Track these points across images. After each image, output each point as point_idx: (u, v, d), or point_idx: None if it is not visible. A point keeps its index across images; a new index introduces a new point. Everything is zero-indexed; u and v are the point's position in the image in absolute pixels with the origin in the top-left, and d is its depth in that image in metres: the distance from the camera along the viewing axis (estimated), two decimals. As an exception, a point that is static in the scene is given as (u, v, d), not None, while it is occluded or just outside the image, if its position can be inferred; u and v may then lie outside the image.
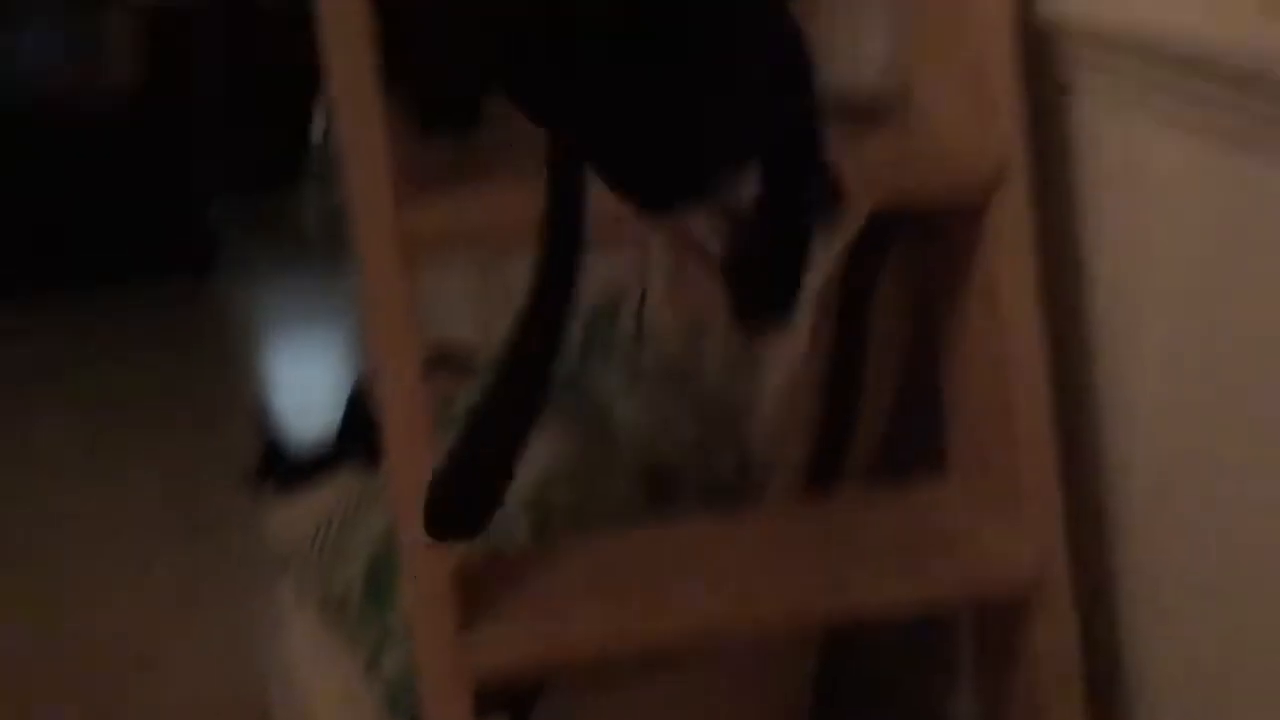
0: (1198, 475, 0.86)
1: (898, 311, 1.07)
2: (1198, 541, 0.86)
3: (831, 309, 1.10)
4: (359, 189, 0.86)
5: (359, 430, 1.67)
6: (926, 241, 1.02)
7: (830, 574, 0.91)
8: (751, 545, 0.96)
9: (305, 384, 3.29)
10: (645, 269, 1.60)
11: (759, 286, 0.63)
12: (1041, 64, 0.95)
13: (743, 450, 1.31)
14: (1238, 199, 0.79)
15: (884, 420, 1.10)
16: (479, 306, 1.72)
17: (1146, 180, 0.88)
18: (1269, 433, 0.79)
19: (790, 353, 1.23)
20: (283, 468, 1.62)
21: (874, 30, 1.32)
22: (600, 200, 0.91)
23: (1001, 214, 0.92)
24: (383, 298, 0.87)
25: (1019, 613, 0.92)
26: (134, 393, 3.22)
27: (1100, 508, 0.96)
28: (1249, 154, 0.77)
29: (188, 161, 3.79)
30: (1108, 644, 0.97)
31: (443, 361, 1.56)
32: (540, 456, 1.21)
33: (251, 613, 1.91)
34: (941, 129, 0.97)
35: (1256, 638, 0.83)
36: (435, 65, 1.50)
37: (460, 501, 0.59)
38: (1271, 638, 0.82)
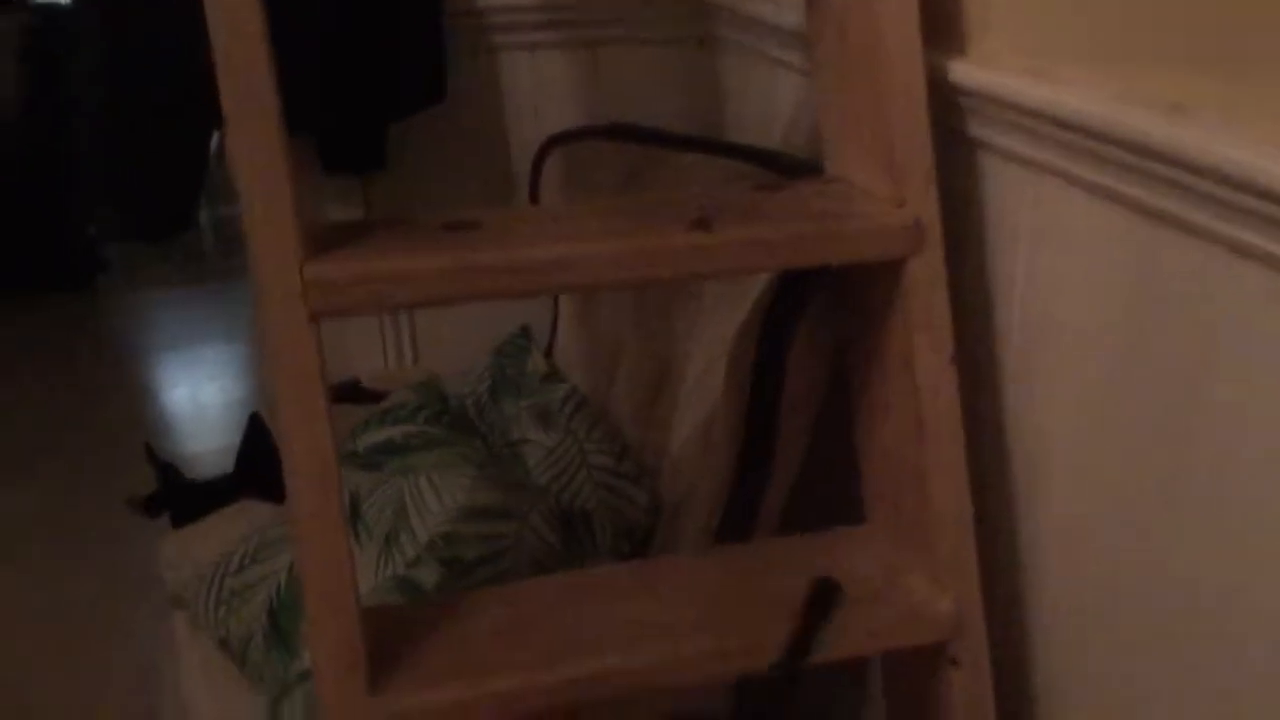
0: (1107, 529, 0.88)
1: (813, 366, 1.08)
2: (1109, 600, 0.89)
3: (747, 361, 1.11)
4: (263, 246, 0.84)
5: (258, 460, 1.63)
6: (842, 299, 1.03)
7: (748, 627, 0.91)
8: (666, 595, 0.96)
9: (197, 404, 3.20)
10: (556, 305, 1.60)
11: None
12: (954, 121, 0.97)
13: (655, 492, 1.31)
14: (1145, 265, 0.82)
15: (796, 471, 1.12)
16: (386, 339, 1.69)
17: (1057, 240, 0.90)
18: (1178, 491, 0.81)
19: (703, 401, 1.24)
20: (178, 498, 1.57)
21: (800, 97, 1.35)
22: (518, 254, 0.91)
23: (917, 274, 0.93)
24: (289, 354, 0.84)
25: (935, 661, 0.94)
26: (11, 410, 3.10)
27: (1014, 560, 0.98)
28: (1156, 223, 0.80)
29: (69, 174, 3.70)
30: (1021, 695, 0.99)
31: (351, 396, 1.54)
32: (448, 495, 1.19)
33: (134, 649, 1.84)
34: (858, 191, 0.99)
35: (1168, 691, 0.85)
36: (336, 104, 1.49)
37: None
38: (1184, 692, 0.85)
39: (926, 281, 0.93)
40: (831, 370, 1.08)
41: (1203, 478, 0.79)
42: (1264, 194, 0.71)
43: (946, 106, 0.97)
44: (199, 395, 3.25)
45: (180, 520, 1.56)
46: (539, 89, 1.61)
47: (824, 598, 0.88)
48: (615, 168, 1.46)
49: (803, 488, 1.15)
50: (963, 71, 0.96)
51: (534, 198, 1.50)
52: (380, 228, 0.94)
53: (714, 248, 0.91)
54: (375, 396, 1.53)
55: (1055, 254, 0.92)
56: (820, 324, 1.06)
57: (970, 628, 0.92)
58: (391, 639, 0.92)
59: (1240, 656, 0.78)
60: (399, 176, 1.60)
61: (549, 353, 1.54)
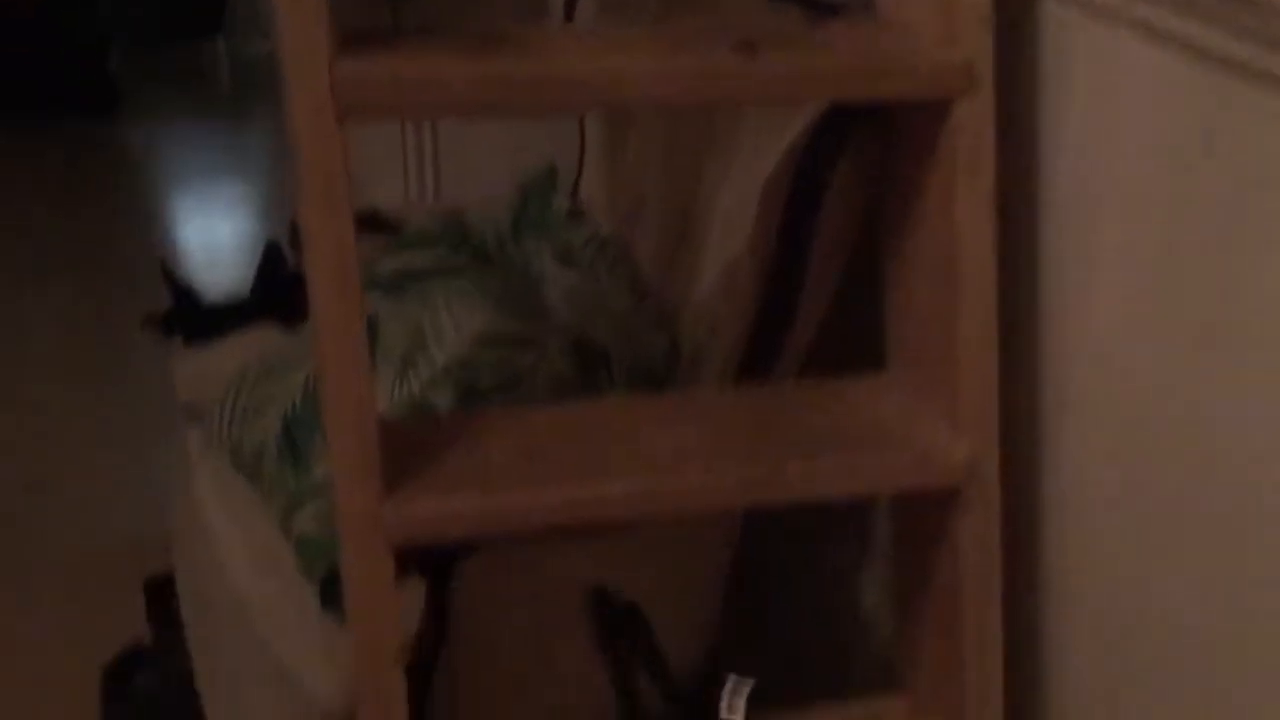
0: (1136, 386, 0.87)
1: (849, 205, 1.06)
2: (1126, 456, 0.88)
3: (778, 205, 1.09)
4: (293, 40, 0.81)
5: (274, 286, 1.62)
6: (884, 139, 1.01)
7: (761, 458, 0.91)
8: (682, 425, 0.96)
9: (212, 237, 3.19)
10: (583, 146, 1.57)
11: None
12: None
13: (674, 337, 1.30)
14: (1208, 115, 0.79)
15: (821, 317, 1.11)
16: (408, 171, 1.67)
17: (1113, 92, 0.88)
18: (1216, 352, 0.80)
19: (729, 247, 1.22)
20: (193, 318, 1.56)
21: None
22: (556, 64, 0.89)
23: (965, 118, 0.91)
24: (316, 153, 0.83)
25: (947, 504, 0.94)
26: (32, 236, 3.10)
27: (1034, 411, 0.97)
28: (1222, 74, 0.78)
29: (90, 3, 3.66)
30: (1028, 543, 0.99)
31: (370, 224, 1.52)
32: (466, 322, 1.19)
33: (153, 458, 1.87)
34: (911, 29, 0.96)
35: (1172, 551, 0.86)
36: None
37: None
38: (1187, 554, 0.85)
39: (974, 125, 0.91)
40: (865, 215, 1.06)
41: (1253, 335, 0.78)
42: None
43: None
44: (212, 232, 3.24)
45: (193, 341, 1.56)
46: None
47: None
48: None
49: (823, 339, 1.14)
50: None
51: (569, 18, 1.46)
52: (414, 34, 0.92)
53: (759, 73, 0.88)
54: (394, 227, 1.51)
55: (1110, 106, 0.89)
56: (858, 167, 1.04)
57: (985, 475, 0.92)
58: (406, 451, 0.92)
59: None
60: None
61: (574, 192, 1.52)
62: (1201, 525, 0.83)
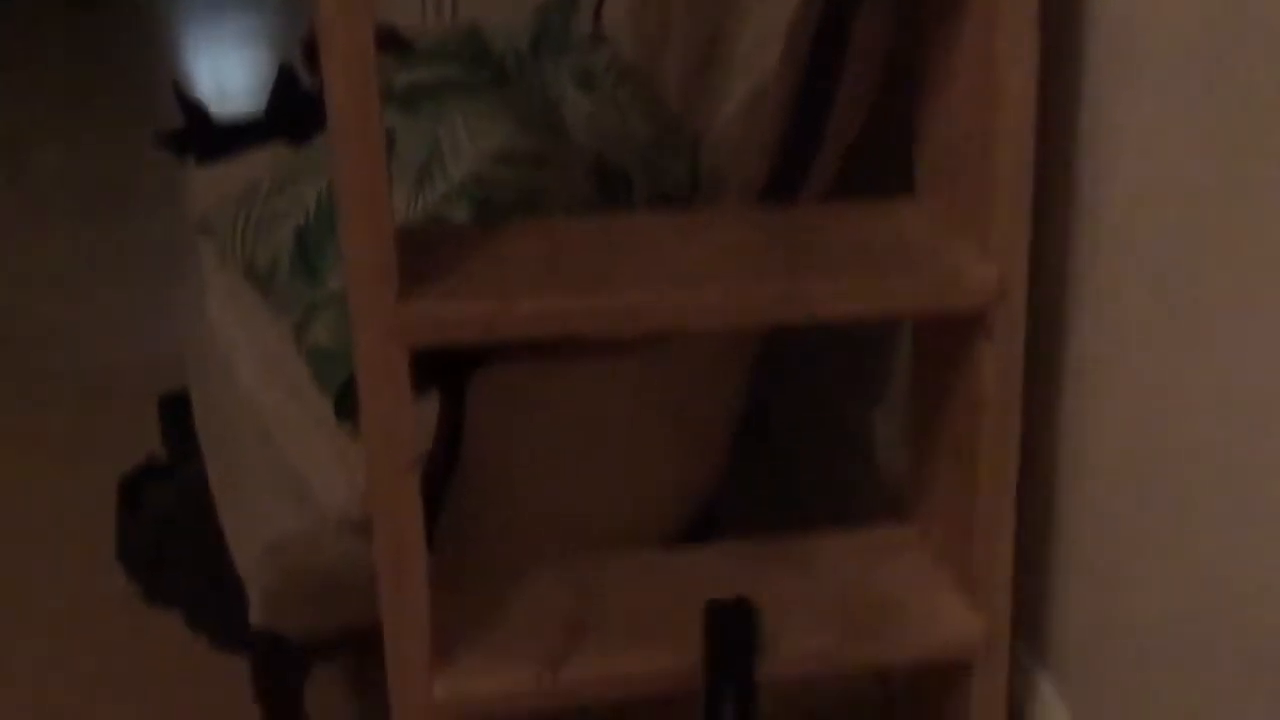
0: (1173, 221, 0.85)
1: (880, 27, 1.02)
2: (1157, 284, 0.87)
3: (807, 30, 1.05)
4: None
5: (287, 106, 1.59)
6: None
7: (786, 276, 0.89)
8: (706, 242, 0.94)
9: (222, 68, 3.13)
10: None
11: None
12: None
13: (696, 164, 1.27)
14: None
15: (849, 140, 1.08)
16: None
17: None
18: (1260, 177, 0.78)
19: (760, 65, 1.18)
20: (206, 136, 1.54)
21: None
22: None
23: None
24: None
25: (971, 329, 0.93)
26: (34, 67, 3.04)
27: (1065, 243, 0.95)
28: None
29: None
30: (1047, 374, 0.98)
31: (387, 43, 1.48)
32: (484, 138, 1.16)
33: (167, 280, 1.86)
34: None
35: (1198, 381, 0.84)
36: None
37: None
38: (1213, 384, 0.83)
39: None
40: (897, 39, 1.02)
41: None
42: None
43: None
44: (222, 63, 3.18)
45: (206, 159, 1.54)
46: None
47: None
48: None
49: (849, 166, 1.11)
50: None
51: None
52: None
53: None
54: (411, 46, 1.47)
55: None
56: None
57: (1011, 300, 0.91)
58: (423, 256, 0.91)
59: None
60: None
61: (596, 16, 1.47)
62: (1233, 355, 0.81)
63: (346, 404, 1.06)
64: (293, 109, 1.56)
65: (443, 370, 0.99)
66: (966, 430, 0.98)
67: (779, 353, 1.23)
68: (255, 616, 1.08)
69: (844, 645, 0.98)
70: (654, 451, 1.17)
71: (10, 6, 3.29)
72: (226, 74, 3.08)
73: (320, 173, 1.22)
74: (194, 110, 1.59)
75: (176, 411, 1.53)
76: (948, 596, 1.02)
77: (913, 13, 1.00)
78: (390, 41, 1.50)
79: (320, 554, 1.05)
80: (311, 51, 1.61)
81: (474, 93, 1.25)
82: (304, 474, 1.08)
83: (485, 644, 0.97)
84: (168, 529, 1.44)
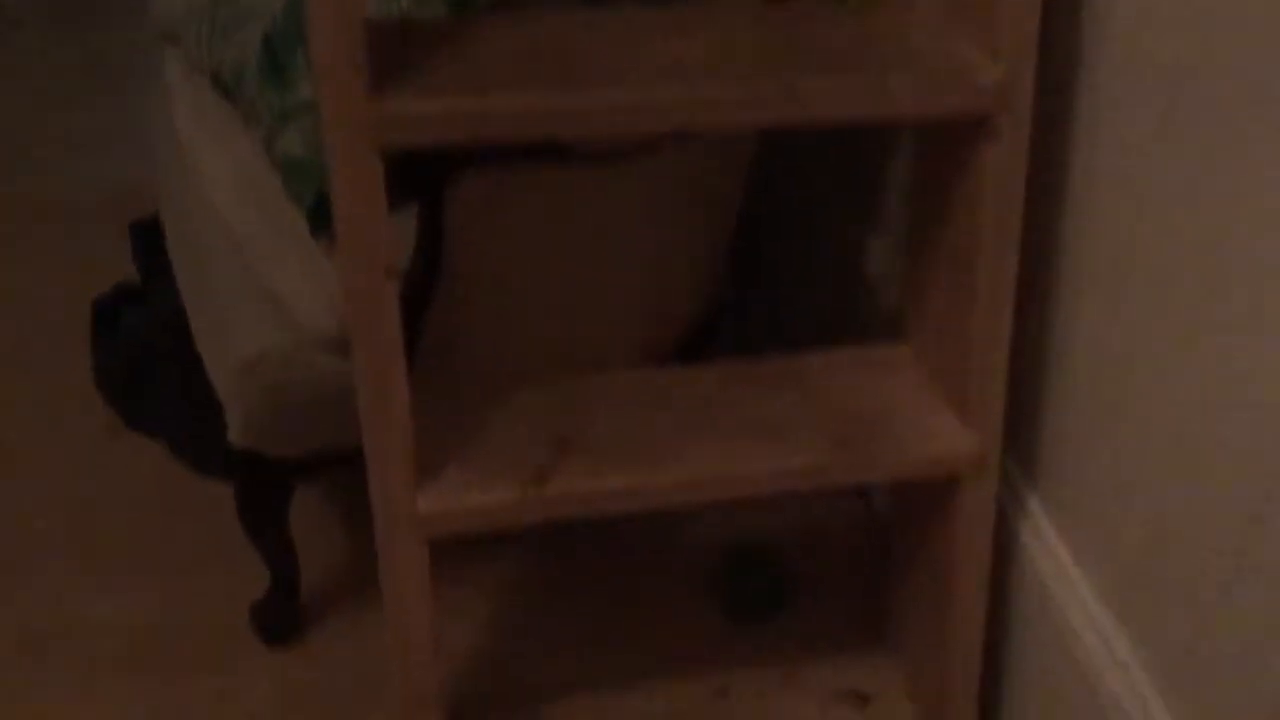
0: (1177, 34, 0.80)
1: None
2: (1165, 100, 0.82)
3: None
4: None
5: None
6: None
7: (783, 73, 0.84)
8: (699, 38, 0.88)
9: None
10: None
11: None
12: None
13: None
14: None
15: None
16: None
17: None
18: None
19: None
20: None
21: None
22: None
23: None
24: None
25: (974, 133, 0.88)
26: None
27: (1072, 44, 0.90)
28: None
29: None
30: (1053, 184, 0.95)
31: None
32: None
33: (139, 104, 1.80)
34: None
35: (1204, 197, 0.81)
36: None
37: None
38: (1220, 199, 0.80)
39: None
40: None
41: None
42: None
43: None
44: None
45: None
46: None
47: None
48: None
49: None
50: None
51: None
52: None
53: None
54: None
55: None
56: None
57: (1017, 101, 0.86)
58: (396, 53, 0.85)
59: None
60: None
61: None
62: (1241, 170, 0.78)
63: (321, 215, 1.02)
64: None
65: (420, 178, 0.95)
66: (965, 241, 0.94)
67: (773, 172, 1.19)
68: (234, 437, 1.06)
69: (834, 461, 0.97)
70: (642, 267, 1.14)
71: None
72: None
73: (288, -25, 1.15)
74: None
75: (149, 236, 1.49)
76: (940, 413, 1.01)
77: None
78: None
79: (298, 371, 1.02)
80: None
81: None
82: (280, 291, 1.05)
83: (470, 459, 0.96)
84: (144, 353, 1.41)
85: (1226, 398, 0.83)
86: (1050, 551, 1.04)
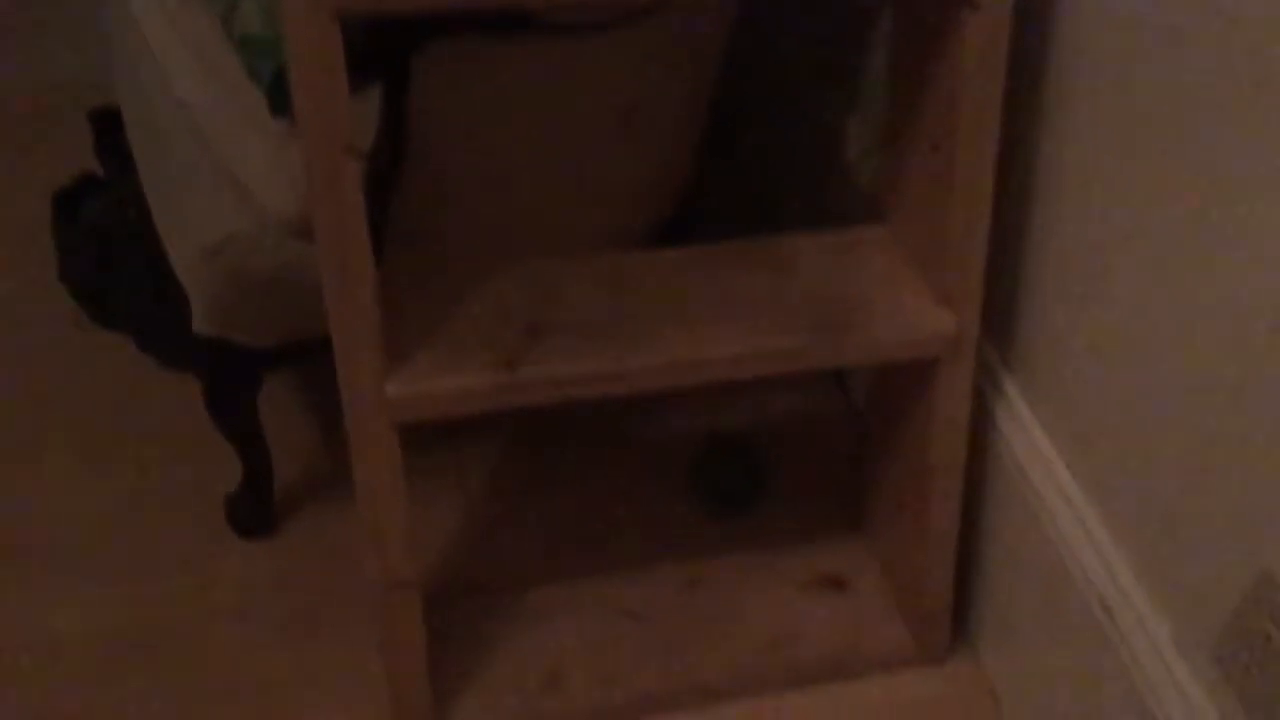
0: None
1: None
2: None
3: None
4: None
5: None
6: None
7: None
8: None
9: None
10: None
11: None
12: None
13: None
14: None
15: None
16: None
17: None
18: None
19: None
20: None
21: None
22: None
23: None
24: None
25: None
26: None
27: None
28: None
29: None
30: (1038, 55, 0.92)
31: None
32: None
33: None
34: None
35: (1191, 89, 0.79)
36: None
37: None
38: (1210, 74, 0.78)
39: None
40: None
41: None
42: None
43: None
44: None
45: None
46: None
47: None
48: None
49: None
50: None
51: None
52: None
53: None
54: None
55: None
56: None
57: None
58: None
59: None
60: None
61: None
62: (1224, 61, 0.75)
63: (280, 93, 0.98)
64: None
65: (382, 55, 0.92)
66: (945, 118, 0.92)
67: (749, 56, 1.16)
68: (198, 325, 1.04)
69: (811, 343, 0.95)
70: (615, 147, 1.11)
71: None
72: None
73: None
74: None
75: (109, 125, 1.44)
76: (918, 294, 0.99)
77: None
78: None
79: (261, 256, 1.00)
80: None
81: None
82: (241, 176, 1.02)
83: (440, 343, 0.94)
84: (106, 244, 1.38)
85: (1203, 284, 0.81)
86: (1026, 434, 1.04)
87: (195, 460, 1.29)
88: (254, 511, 1.22)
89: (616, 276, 1.02)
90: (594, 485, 1.30)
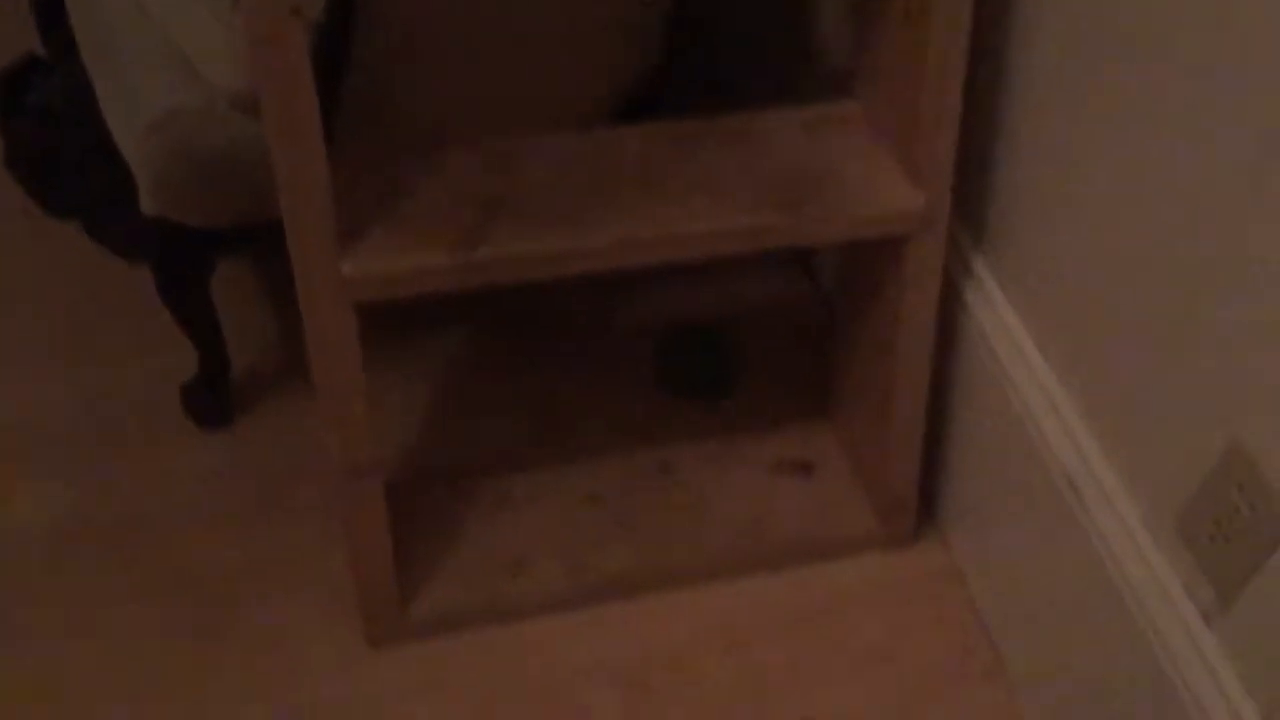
0: None
1: None
2: None
3: None
4: None
5: None
6: None
7: None
8: None
9: None
10: None
11: None
12: None
13: None
14: None
15: None
16: None
17: None
18: None
19: None
20: None
21: None
22: None
23: None
24: None
25: None
26: None
27: None
28: None
29: None
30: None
31: None
32: None
33: None
34: None
35: None
36: None
37: None
38: None
39: None
40: None
41: None
42: None
43: None
44: None
45: None
46: None
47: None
48: None
49: None
50: None
51: None
52: None
53: None
54: None
55: None
56: None
57: None
58: None
59: None
60: None
61: None
62: None
63: (224, -40, 0.94)
64: None
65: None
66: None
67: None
68: (146, 203, 1.01)
69: (779, 221, 0.93)
70: (577, 14, 1.07)
71: None
72: None
73: None
74: None
75: (52, 5, 1.39)
76: (889, 170, 0.97)
77: None
78: None
79: (208, 132, 0.96)
80: None
81: None
82: (187, 50, 0.98)
83: (397, 222, 0.91)
84: (53, 128, 1.33)
85: (1171, 162, 0.79)
86: (996, 314, 1.03)
87: (153, 352, 1.26)
88: (211, 402, 1.19)
89: (579, 154, 0.98)
90: (560, 374, 1.28)
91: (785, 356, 1.31)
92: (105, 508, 1.14)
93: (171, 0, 1.01)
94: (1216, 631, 0.81)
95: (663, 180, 0.96)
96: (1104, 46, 0.85)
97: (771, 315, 1.36)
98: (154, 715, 1.00)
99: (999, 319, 1.02)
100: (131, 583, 1.09)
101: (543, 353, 1.31)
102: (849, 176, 0.96)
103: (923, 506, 1.15)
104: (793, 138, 1.00)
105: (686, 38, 1.33)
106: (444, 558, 1.09)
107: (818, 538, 1.12)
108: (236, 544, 1.12)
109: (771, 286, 1.39)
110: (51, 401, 1.24)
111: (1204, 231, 0.78)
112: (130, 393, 1.24)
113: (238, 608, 1.07)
